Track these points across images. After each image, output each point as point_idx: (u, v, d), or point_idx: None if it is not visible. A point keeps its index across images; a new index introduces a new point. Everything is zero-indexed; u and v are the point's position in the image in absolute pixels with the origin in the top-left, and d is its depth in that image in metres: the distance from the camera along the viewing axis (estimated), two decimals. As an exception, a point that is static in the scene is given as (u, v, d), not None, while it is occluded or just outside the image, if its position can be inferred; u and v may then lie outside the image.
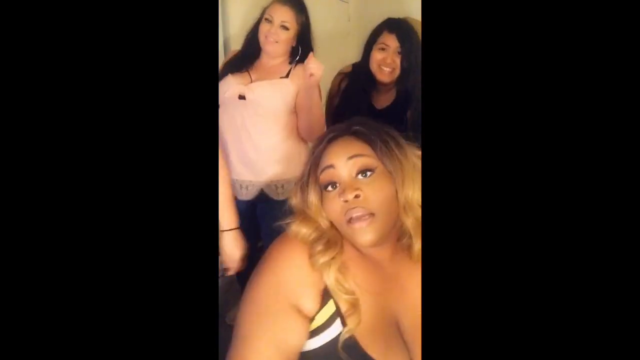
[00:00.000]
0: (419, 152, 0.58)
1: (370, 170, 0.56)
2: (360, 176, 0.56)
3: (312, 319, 0.55)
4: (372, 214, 0.54)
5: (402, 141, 0.59)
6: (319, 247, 0.55)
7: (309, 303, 0.55)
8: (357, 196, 0.54)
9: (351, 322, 0.53)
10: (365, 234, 0.54)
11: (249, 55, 1.23)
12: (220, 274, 0.91)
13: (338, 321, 0.54)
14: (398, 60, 1.19)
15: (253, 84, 1.18)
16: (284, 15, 1.16)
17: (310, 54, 1.14)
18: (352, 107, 1.24)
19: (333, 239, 0.57)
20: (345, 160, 0.56)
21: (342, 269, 0.55)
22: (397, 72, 1.20)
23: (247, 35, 1.25)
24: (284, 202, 0.83)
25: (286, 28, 1.16)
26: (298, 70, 1.20)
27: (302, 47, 1.21)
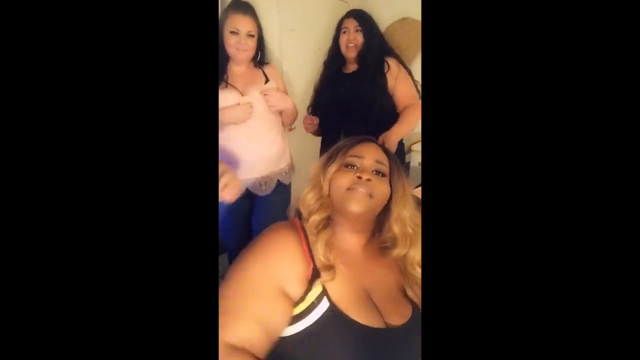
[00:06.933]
0: (412, 186, 0.79)
1: (383, 175, 0.76)
2: (375, 173, 0.75)
3: (295, 304, 0.62)
4: (370, 196, 0.71)
5: (405, 174, 0.80)
6: (315, 205, 0.71)
7: (295, 289, 0.63)
8: (368, 179, 0.72)
9: (336, 291, 0.62)
10: (358, 202, 0.70)
11: (220, 66, 1.35)
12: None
13: (325, 300, 0.62)
14: (359, 37, 1.49)
15: (247, 93, 1.32)
16: (248, 25, 1.28)
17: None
18: (330, 76, 1.56)
19: (326, 203, 0.73)
20: (373, 160, 0.77)
21: (329, 241, 0.67)
22: (360, 46, 1.50)
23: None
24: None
25: (252, 36, 1.29)
26: (268, 69, 1.39)
27: (260, 49, 1.37)
